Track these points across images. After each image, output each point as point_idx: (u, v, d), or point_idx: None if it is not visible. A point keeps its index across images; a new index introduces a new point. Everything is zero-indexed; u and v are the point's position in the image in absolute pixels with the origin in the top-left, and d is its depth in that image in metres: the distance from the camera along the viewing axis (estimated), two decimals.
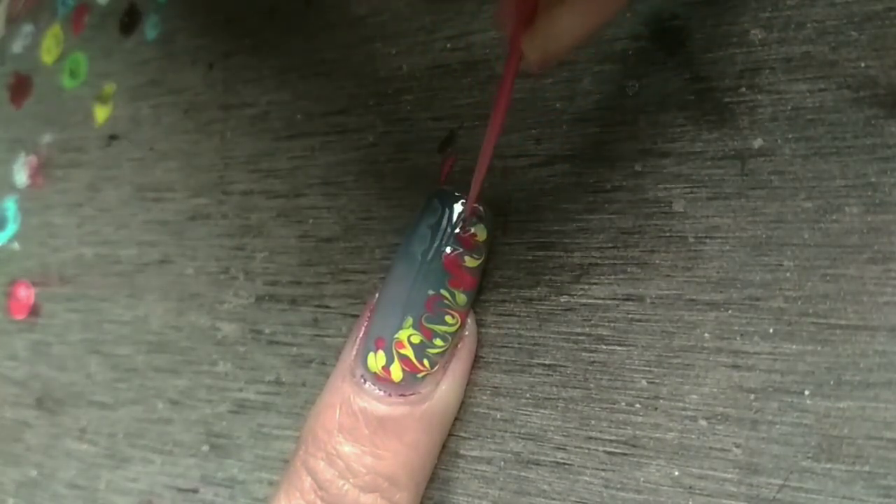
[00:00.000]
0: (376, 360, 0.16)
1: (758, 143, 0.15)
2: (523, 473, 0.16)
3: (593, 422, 0.16)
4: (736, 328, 0.15)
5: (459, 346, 0.17)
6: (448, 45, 0.20)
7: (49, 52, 0.29)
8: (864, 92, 0.14)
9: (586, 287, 0.16)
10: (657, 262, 0.16)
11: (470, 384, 0.17)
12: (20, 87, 0.30)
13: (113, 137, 0.26)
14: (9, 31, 0.31)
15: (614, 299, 0.16)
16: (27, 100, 0.29)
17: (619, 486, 0.15)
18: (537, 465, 0.16)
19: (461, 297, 0.16)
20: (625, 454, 0.15)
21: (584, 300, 0.16)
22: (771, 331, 0.15)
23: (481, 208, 0.17)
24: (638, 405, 0.15)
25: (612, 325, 0.16)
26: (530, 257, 0.17)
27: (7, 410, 0.26)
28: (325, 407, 0.16)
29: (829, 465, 0.14)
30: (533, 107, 0.18)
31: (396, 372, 0.16)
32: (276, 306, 0.21)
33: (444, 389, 0.16)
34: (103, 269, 0.25)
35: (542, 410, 0.16)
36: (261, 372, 0.21)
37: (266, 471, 0.20)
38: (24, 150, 0.29)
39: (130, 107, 0.26)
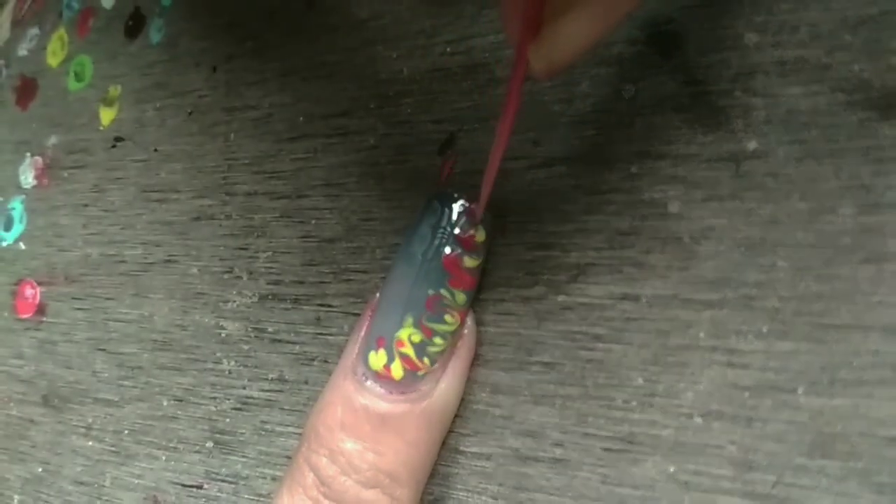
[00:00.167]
0: (377, 359, 0.16)
1: (752, 145, 0.15)
2: (522, 469, 0.17)
3: (590, 419, 0.16)
4: (731, 327, 0.15)
5: (459, 344, 0.17)
6: (448, 49, 0.20)
7: (55, 54, 0.29)
8: (857, 95, 0.15)
9: (583, 287, 0.17)
10: (653, 262, 0.16)
11: (469, 382, 0.17)
12: (26, 90, 0.30)
13: (118, 139, 0.26)
14: (15, 35, 0.31)
15: (611, 299, 0.16)
16: (33, 102, 0.30)
17: (616, 481, 0.16)
18: (536, 461, 0.16)
19: (461, 297, 0.16)
20: (622, 450, 0.16)
21: (581, 299, 0.17)
22: (765, 330, 0.15)
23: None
24: (634, 402, 0.16)
25: (609, 323, 0.16)
26: (528, 257, 0.17)
27: (13, 408, 0.27)
28: (327, 404, 0.17)
29: (823, 462, 0.14)
30: (531, 109, 0.18)
31: (397, 370, 0.16)
32: (279, 305, 0.21)
33: (444, 387, 0.17)
34: (109, 269, 0.25)
35: (540, 407, 0.17)
36: (264, 370, 0.21)
37: (269, 467, 0.20)
38: (31, 151, 0.29)
39: (135, 109, 0.26)
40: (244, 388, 0.21)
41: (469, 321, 0.17)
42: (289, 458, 0.20)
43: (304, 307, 0.21)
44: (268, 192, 0.22)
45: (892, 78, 0.14)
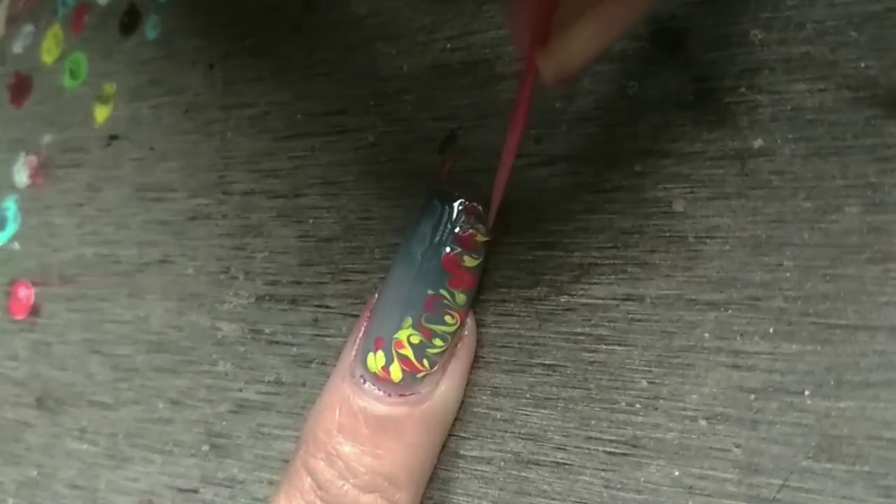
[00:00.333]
0: (376, 361, 0.16)
1: (758, 143, 0.15)
2: (523, 473, 0.16)
3: (593, 422, 0.16)
4: (736, 328, 0.15)
5: (459, 346, 0.17)
6: (448, 46, 0.20)
7: (49, 52, 0.29)
8: (863, 92, 0.14)
9: (586, 287, 0.16)
10: (657, 261, 0.16)
11: (470, 384, 0.17)
12: (20, 87, 0.30)
13: (113, 137, 0.26)
14: (9, 32, 0.31)
15: (614, 299, 0.16)
16: (27, 100, 0.29)
17: (619, 486, 0.15)
18: (537, 465, 0.16)
19: (461, 297, 0.16)
20: (625, 454, 0.15)
21: (584, 300, 0.16)
22: (771, 331, 0.15)
23: (481, 208, 0.17)
24: (638, 405, 0.15)
25: (612, 324, 0.16)
26: (530, 257, 0.17)
27: (7, 410, 0.26)
28: (325, 407, 0.16)
29: (829, 465, 0.14)
30: (533, 107, 0.18)
31: (396, 372, 0.16)
32: (276, 306, 0.21)
33: (444, 389, 0.16)
34: (103, 269, 0.25)
35: (541, 410, 0.16)
36: (261, 372, 0.21)
37: (266, 471, 0.20)
38: (25, 150, 0.29)
39: (131, 107, 0.26)
40: (240, 390, 0.21)
41: (469, 322, 0.17)
42: (286, 461, 0.20)
43: (302, 308, 0.20)
44: (265, 191, 0.22)
45: None
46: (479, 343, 0.17)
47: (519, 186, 0.18)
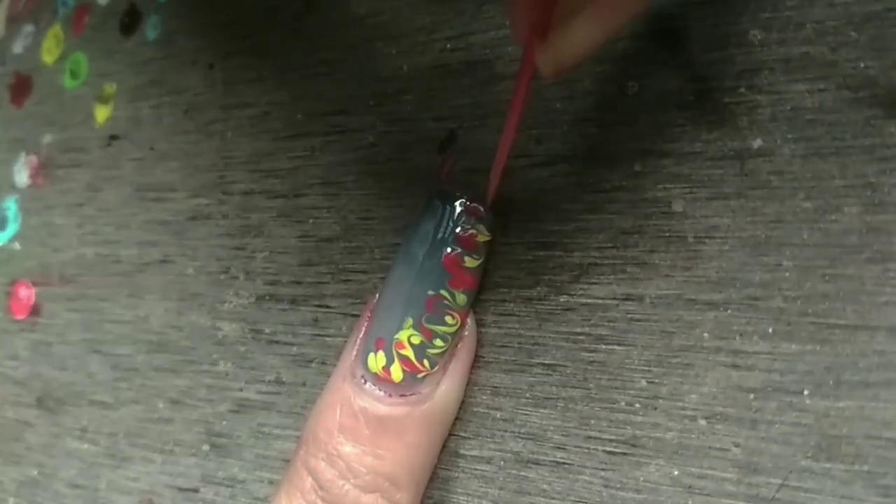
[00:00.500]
0: (376, 361, 0.16)
1: (757, 143, 0.15)
2: (523, 473, 0.16)
3: (593, 421, 0.16)
4: (735, 328, 0.15)
5: (459, 346, 0.17)
6: (448, 46, 0.20)
7: (50, 52, 0.29)
8: (863, 92, 0.14)
9: (586, 287, 0.16)
10: (656, 261, 0.16)
11: (470, 384, 0.17)
12: (21, 88, 0.30)
13: (113, 137, 0.26)
14: (9, 32, 0.31)
15: (614, 299, 0.16)
16: (28, 100, 0.29)
17: (618, 485, 0.15)
18: (537, 464, 0.16)
19: (461, 298, 0.16)
20: (624, 454, 0.15)
21: (583, 300, 0.16)
22: (770, 330, 0.15)
23: (482, 208, 0.17)
24: (637, 405, 0.15)
25: (612, 324, 0.16)
26: (530, 257, 0.17)
27: (8, 410, 0.26)
28: (326, 407, 0.16)
29: (828, 465, 0.14)
30: (533, 107, 0.18)
31: (397, 372, 0.16)
32: (276, 306, 0.21)
33: (444, 390, 0.16)
34: (104, 269, 0.25)
35: (541, 410, 0.16)
36: (261, 371, 0.21)
37: (267, 470, 0.20)
38: (25, 150, 0.29)
39: (131, 107, 0.26)
40: (241, 390, 0.21)
41: (470, 322, 0.17)
42: (286, 461, 0.20)
43: (302, 308, 0.20)
44: (265, 191, 0.22)
45: None
46: (480, 343, 0.17)
47: (519, 186, 0.18)
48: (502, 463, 0.17)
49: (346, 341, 0.17)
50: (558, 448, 0.16)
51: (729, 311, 0.15)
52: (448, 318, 0.16)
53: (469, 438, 0.17)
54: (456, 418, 0.17)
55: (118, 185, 0.25)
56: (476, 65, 0.19)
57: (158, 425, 0.22)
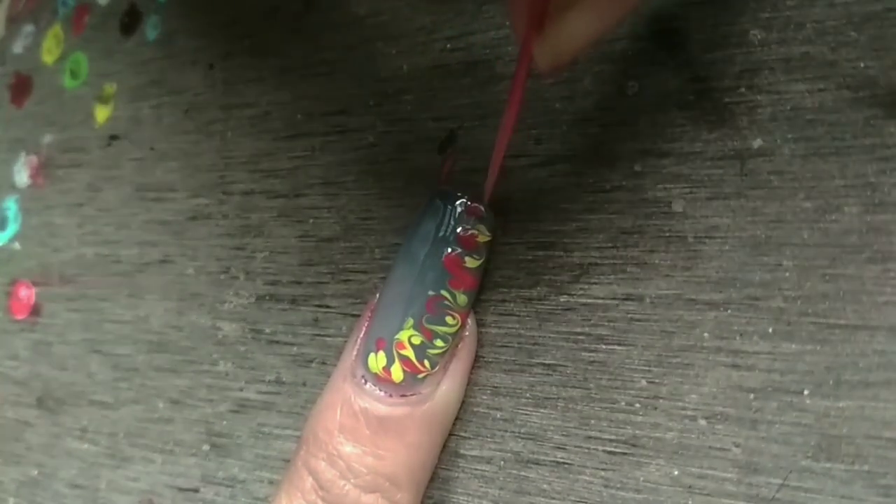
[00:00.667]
0: (377, 361, 0.16)
1: (757, 143, 0.15)
2: (523, 473, 0.16)
3: (593, 421, 0.16)
4: (735, 328, 0.15)
5: (460, 346, 0.17)
6: (448, 46, 0.20)
7: (50, 52, 0.29)
8: (863, 92, 0.14)
9: (586, 287, 0.16)
10: (657, 261, 0.16)
11: (470, 384, 0.17)
12: (21, 88, 0.30)
13: (113, 137, 0.26)
14: (9, 32, 0.31)
15: (614, 299, 0.16)
16: (28, 100, 0.29)
17: (618, 485, 0.15)
18: (537, 464, 0.16)
19: (462, 298, 0.16)
20: (624, 454, 0.15)
21: (583, 300, 0.16)
22: (770, 330, 0.15)
23: (482, 208, 0.17)
24: (637, 405, 0.15)
25: (612, 324, 0.16)
26: (530, 257, 0.17)
27: (8, 410, 0.26)
28: (326, 407, 0.16)
29: (828, 465, 0.14)
30: (533, 107, 0.18)
31: (397, 372, 0.16)
32: (276, 306, 0.21)
33: (445, 390, 0.16)
34: (104, 269, 0.25)
35: (541, 410, 0.16)
36: (261, 371, 0.21)
37: (267, 470, 0.20)
38: (25, 150, 0.29)
39: (131, 107, 0.26)
40: (241, 390, 0.21)
41: (470, 322, 0.17)
42: (287, 461, 0.20)
43: (302, 308, 0.20)
44: (265, 191, 0.22)
45: None
46: (480, 343, 0.17)
47: (518, 186, 0.18)
48: (502, 463, 0.17)
49: (346, 341, 0.17)
50: (558, 448, 0.16)
51: (729, 311, 0.15)
52: (448, 319, 0.16)
53: (469, 438, 0.17)
54: (456, 418, 0.17)
55: (118, 185, 0.25)
56: (476, 65, 0.19)
57: (158, 425, 0.22)
